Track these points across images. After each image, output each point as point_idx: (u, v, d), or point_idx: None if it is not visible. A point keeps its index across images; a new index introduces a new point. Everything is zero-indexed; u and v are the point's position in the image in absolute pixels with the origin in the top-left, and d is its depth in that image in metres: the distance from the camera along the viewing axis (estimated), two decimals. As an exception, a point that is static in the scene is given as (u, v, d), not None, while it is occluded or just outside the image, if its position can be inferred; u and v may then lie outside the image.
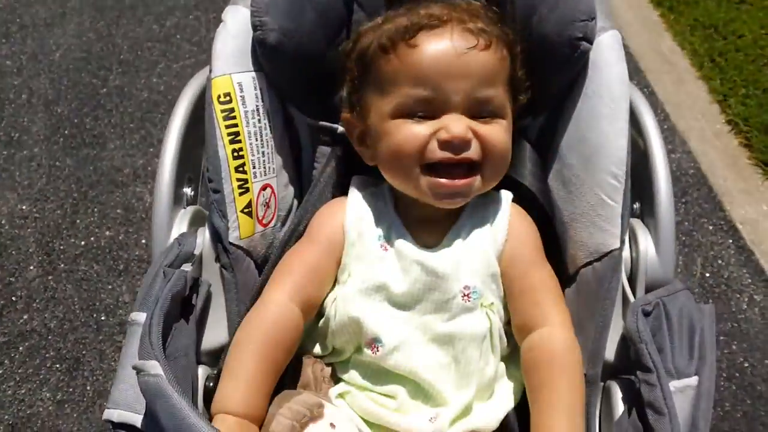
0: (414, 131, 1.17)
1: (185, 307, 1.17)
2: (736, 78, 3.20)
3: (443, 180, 1.17)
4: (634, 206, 1.37)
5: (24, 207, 2.71)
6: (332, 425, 1.08)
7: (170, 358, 1.05)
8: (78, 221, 2.66)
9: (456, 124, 1.15)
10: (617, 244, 1.25)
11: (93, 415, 2.13)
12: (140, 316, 1.08)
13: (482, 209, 1.27)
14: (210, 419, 1.07)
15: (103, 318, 2.36)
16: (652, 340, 1.11)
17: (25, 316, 2.37)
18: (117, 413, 1.01)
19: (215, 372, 1.19)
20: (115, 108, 3.09)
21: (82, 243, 2.59)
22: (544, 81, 1.30)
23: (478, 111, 1.18)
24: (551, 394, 1.13)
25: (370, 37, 1.21)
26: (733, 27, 3.42)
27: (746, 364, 2.27)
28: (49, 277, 2.48)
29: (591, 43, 1.26)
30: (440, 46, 1.15)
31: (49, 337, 2.31)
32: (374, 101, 1.22)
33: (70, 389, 2.19)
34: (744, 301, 2.44)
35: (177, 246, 1.24)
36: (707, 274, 2.52)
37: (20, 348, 2.28)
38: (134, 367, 0.95)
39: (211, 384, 1.17)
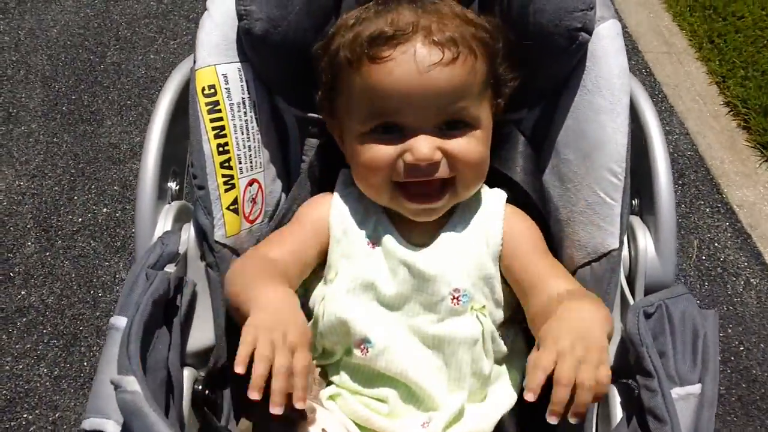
0: (380, 153, 1.14)
1: (169, 309, 1.14)
2: (735, 59, 3.15)
3: (412, 204, 1.16)
4: (633, 202, 1.32)
5: (21, 183, 2.69)
6: (324, 431, 1.06)
7: (151, 370, 1.03)
8: (75, 198, 2.65)
9: (421, 147, 1.11)
10: (616, 245, 1.20)
11: (90, 391, 2.13)
12: (120, 321, 1.05)
13: (474, 209, 1.24)
14: (199, 425, 1.06)
15: (100, 294, 2.36)
16: (653, 344, 1.06)
17: (23, 292, 2.37)
18: (89, 422, 1.00)
19: (203, 375, 1.18)
20: (113, 84, 3.07)
21: (80, 219, 2.58)
22: (541, 72, 1.25)
23: (448, 126, 1.14)
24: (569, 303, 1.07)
25: (338, 40, 1.17)
26: (733, 8, 3.37)
27: (741, 348, 2.25)
28: (47, 254, 2.48)
29: (590, 33, 1.20)
30: (402, 67, 1.09)
31: (47, 313, 2.31)
32: (343, 114, 1.19)
33: (68, 365, 2.20)
34: (740, 285, 2.42)
35: (160, 245, 1.20)
36: (703, 257, 2.50)
37: (18, 324, 2.29)
38: (112, 382, 0.93)
39: (200, 387, 1.15)
